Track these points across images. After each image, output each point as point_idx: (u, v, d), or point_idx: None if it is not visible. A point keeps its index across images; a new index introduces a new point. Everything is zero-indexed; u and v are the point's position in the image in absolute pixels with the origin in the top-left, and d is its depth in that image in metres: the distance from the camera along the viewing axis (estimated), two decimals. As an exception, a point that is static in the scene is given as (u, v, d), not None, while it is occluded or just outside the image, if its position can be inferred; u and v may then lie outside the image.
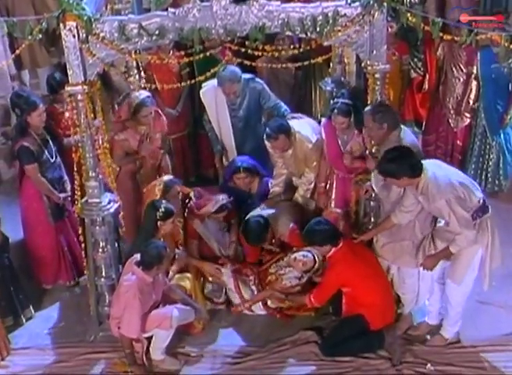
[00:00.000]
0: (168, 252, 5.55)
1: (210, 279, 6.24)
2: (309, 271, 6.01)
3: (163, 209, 5.79)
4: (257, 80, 6.94)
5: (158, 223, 5.81)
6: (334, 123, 6.12)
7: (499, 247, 5.45)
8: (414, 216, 5.39)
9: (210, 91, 6.87)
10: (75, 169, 5.65)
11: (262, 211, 6.42)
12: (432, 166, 5.21)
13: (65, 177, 6.36)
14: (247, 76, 6.85)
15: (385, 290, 5.74)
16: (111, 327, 5.65)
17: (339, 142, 6.20)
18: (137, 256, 5.48)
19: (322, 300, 5.76)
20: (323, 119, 6.47)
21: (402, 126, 5.57)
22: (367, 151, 5.77)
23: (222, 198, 6.29)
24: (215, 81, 6.70)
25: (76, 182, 5.69)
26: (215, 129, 7.02)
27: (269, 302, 6.14)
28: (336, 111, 6.04)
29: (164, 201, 5.91)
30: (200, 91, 6.86)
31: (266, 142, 6.40)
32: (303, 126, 6.34)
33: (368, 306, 5.58)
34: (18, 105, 6.22)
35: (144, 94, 6.44)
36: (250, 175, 6.65)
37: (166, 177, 6.33)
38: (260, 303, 6.14)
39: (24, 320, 6.20)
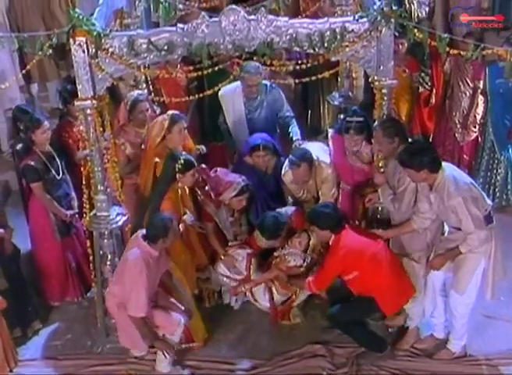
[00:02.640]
0: (174, 225, 5.43)
1: (222, 257, 6.17)
2: (307, 249, 5.97)
3: (182, 161, 5.68)
4: (277, 87, 6.98)
5: (177, 175, 5.70)
6: (348, 141, 6.08)
7: (502, 260, 5.47)
8: (432, 221, 5.42)
9: (229, 93, 6.91)
10: (83, 182, 5.69)
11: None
12: (449, 167, 5.31)
13: (72, 194, 6.39)
14: (268, 82, 6.93)
15: (396, 270, 5.61)
16: (107, 304, 5.60)
17: (347, 153, 6.21)
18: (142, 231, 5.42)
19: (321, 286, 5.67)
20: (330, 131, 6.50)
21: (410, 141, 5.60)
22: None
23: (243, 180, 6.12)
24: (233, 84, 6.75)
25: (84, 195, 5.72)
26: (231, 131, 7.04)
27: (275, 294, 6.07)
28: (352, 131, 5.99)
29: (184, 153, 5.81)
30: (219, 93, 6.79)
31: (286, 172, 6.32)
32: (319, 152, 6.28)
33: (379, 289, 5.52)
34: (21, 121, 6.31)
35: (137, 92, 6.49)
36: (270, 153, 6.51)
37: (172, 112, 6.23)
38: (267, 296, 6.09)
39: (32, 332, 6.22)
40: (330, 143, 6.36)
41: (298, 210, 6.27)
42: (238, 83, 6.84)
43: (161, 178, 5.84)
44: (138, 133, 6.43)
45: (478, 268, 5.36)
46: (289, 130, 6.87)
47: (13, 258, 6.07)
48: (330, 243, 5.60)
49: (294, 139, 6.75)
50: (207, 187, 6.19)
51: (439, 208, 5.26)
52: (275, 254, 6.10)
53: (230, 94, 6.92)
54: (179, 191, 5.90)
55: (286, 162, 6.32)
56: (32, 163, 6.04)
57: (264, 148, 6.44)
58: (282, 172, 6.39)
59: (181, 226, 5.81)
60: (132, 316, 5.33)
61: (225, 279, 6.21)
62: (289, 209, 6.28)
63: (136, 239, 5.39)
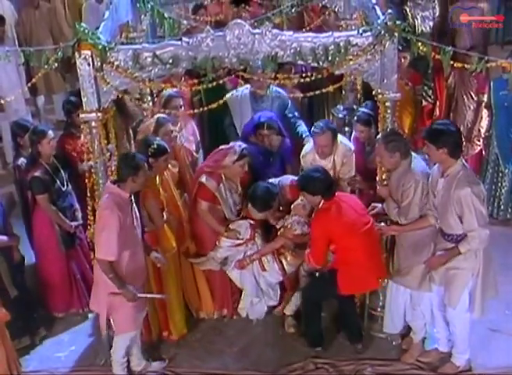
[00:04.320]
0: (146, 167, 5.32)
1: (225, 234, 6.10)
2: (311, 214, 5.88)
3: (155, 146, 5.67)
4: (285, 94, 7.05)
5: (150, 160, 5.66)
6: (355, 131, 6.19)
7: (494, 278, 5.42)
8: None
9: (236, 96, 7.01)
10: (88, 194, 5.71)
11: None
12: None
13: (76, 205, 6.43)
14: (278, 88, 6.98)
15: (372, 255, 5.58)
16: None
17: (365, 152, 6.28)
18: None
19: (318, 258, 5.58)
20: (354, 132, 6.56)
21: (413, 154, 5.59)
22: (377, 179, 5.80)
23: (239, 145, 6.09)
24: (240, 88, 6.87)
25: (89, 207, 5.73)
26: (239, 133, 7.06)
27: (285, 264, 6.04)
28: (355, 118, 6.14)
29: (157, 138, 5.84)
30: (226, 96, 6.63)
31: (307, 153, 6.37)
32: (342, 138, 6.39)
33: (348, 264, 5.52)
34: (21, 136, 6.40)
35: (171, 90, 6.58)
36: (274, 133, 6.52)
37: (160, 115, 6.32)
38: (276, 266, 6.05)
39: (39, 339, 6.27)
40: (352, 142, 6.49)
41: (293, 180, 6.15)
42: (246, 86, 6.93)
43: None
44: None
45: (469, 283, 5.32)
46: (298, 129, 6.97)
47: (19, 266, 6.13)
48: (319, 207, 5.56)
49: (304, 136, 6.86)
50: (206, 169, 6.13)
51: (442, 198, 5.22)
52: (279, 224, 6.05)
53: (238, 96, 7.01)
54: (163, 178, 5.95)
55: (306, 145, 6.42)
56: (39, 175, 6.09)
57: (269, 127, 6.49)
58: (302, 153, 6.45)
59: (165, 214, 5.86)
60: (100, 259, 5.19)
61: (229, 251, 6.11)
62: (284, 179, 6.24)
63: (107, 186, 5.35)
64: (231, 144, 6.22)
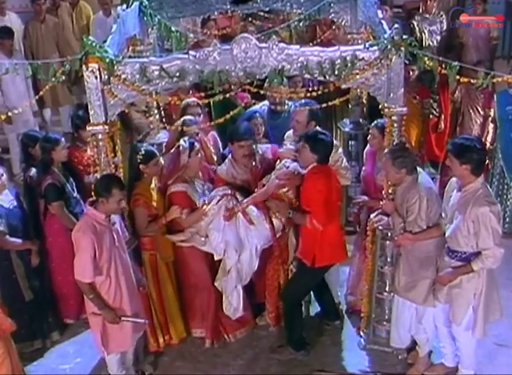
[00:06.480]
0: (120, 195, 5.21)
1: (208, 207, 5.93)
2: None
3: (143, 152, 5.71)
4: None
5: (141, 166, 5.71)
6: (369, 137, 6.23)
7: (498, 300, 5.38)
8: None
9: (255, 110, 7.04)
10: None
11: None
12: None
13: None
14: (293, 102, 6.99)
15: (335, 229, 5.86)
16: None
17: (376, 170, 6.26)
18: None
19: (322, 216, 5.64)
20: (368, 147, 6.57)
21: (419, 170, 5.59)
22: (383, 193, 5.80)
23: (183, 140, 6.00)
24: (260, 103, 6.90)
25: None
26: None
27: (274, 220, 5.95)
28: (373, 123, 6.14)
29: (144, 145, 5.87)
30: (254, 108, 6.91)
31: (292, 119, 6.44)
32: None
33: (325, 233, 5.68)
34: (33, 147, 6.44)
35: (191, 98, 6.64)
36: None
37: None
38: (263, 216, 5.93)
39: (50, 343, 6.34)
40: (365, 157, 6.52)
41: (273, 146, 6.36)
42: (264, 102, 6.94)
43: (128, 170, 5.90)
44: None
45: (472, 302, 5.30)
46: None
47: (37, 270, 6.18)
48: (309, 169, 5.69)
49: None
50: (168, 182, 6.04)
51: (455, 212, 5.19)
52: (265, 179, 5.99)
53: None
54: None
55: None
56: (54, 181, 6.16)
57: (261, 116, 6.59)
58: (287, 134, 6.53)
59: (160, 222, 5.87)
60: (78, 281, 5.19)
61: (217, 214, 5.93)
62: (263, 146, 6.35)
63: (86, 207, 5.35)
64: (177, 144, 6.11)
